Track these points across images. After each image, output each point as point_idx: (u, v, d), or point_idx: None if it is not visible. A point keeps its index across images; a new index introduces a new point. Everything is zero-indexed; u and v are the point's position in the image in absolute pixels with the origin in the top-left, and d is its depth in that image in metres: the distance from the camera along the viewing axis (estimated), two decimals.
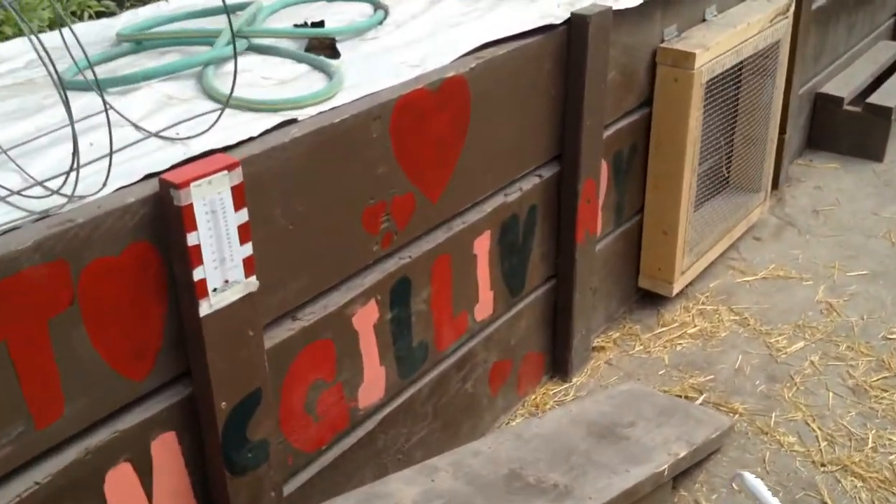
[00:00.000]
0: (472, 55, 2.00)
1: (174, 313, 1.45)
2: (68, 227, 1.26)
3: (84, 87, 1.85)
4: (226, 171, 1.39)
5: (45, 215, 1.29)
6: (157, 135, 1.61)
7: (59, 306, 1.28)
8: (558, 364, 2.64)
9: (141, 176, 1.40)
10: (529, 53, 2.12)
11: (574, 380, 2.65)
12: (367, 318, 1.86)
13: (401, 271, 1.91)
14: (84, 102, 1.77)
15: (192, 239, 1.37)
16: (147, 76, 1.86)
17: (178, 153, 1.54)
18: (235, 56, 1.63)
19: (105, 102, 1.46)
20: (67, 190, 1.35)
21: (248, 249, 1.47)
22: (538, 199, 2.34)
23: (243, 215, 1.44)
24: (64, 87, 1.39)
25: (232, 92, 1.59)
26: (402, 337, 1.98)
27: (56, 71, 1.36)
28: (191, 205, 1.36)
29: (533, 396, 2.58)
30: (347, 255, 1.77)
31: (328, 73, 1.95)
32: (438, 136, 1.91)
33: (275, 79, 1.95)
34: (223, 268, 1.44)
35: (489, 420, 2.42)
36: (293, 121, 1.63)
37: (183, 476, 1.55)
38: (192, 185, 1.35)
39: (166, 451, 1.51)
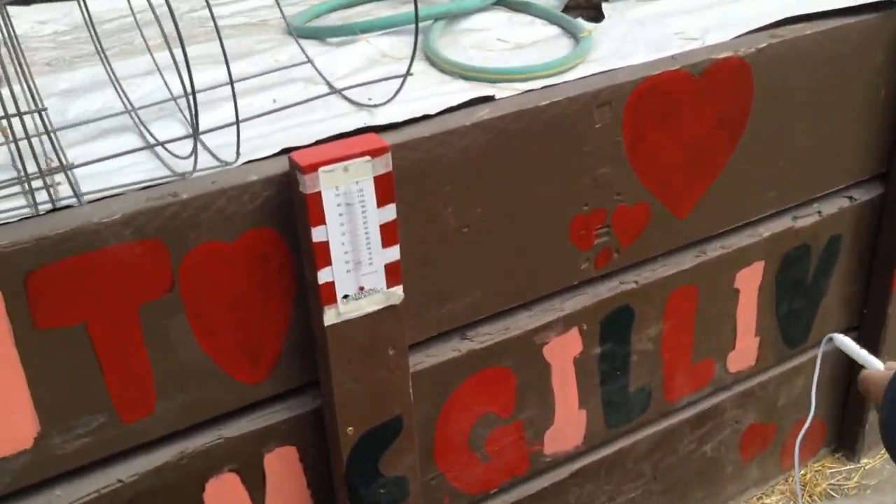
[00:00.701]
0: (767, 31, 1.52)
1: (303, 313, 1.22)
2: (168, 202, 1.08)
3: (307, 35, 1.69)
4: (368, 158, 1.12)
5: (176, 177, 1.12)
6: (340, 91, 1.39)
7: (154, 292, 1.11)
8: (844, 437, 2.06)
9: (279, 148, 1.18)
10: (851, 37, 1.57)
11: (862, 461, 2.05)
12: (564, 350, 1.51)
13: (620, 299, 1.52)
14: (294, 51, 1.60)
15: (318, 234, 1.13)
16: (367, 28, 1.64)
17: (359, 121, 1.31)
18: (416, 17, 1.34)
19: (306, 56, 1.25)
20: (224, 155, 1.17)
21: (393, 253, 1.20)
22: (845, 227, 1.79)
23: (389, 212, 1.17)
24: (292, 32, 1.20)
25: (413, 56, 1.31)
26: (614, 378, 1.59)
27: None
28: (318, 193, 1.11)
29: (803, 472, 2.04)
30: (544, 270, 1.43)
31: (577, 38, 1.59)
32: (696, 133, 1.47)
33: (511, 42, 1.64)
34: (358, 272, 1.18)
35: (734, 491, 1.94)
36: (490, 98, 1.31)
37: (304, 498, 1.34)
38: (320, 170, 1.09)
39: (284, 467, 1.30)
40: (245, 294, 1.17)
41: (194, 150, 1.14)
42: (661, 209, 1.49)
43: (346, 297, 1.18)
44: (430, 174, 1.23)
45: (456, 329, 1.39)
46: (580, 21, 1.67)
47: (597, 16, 1.71)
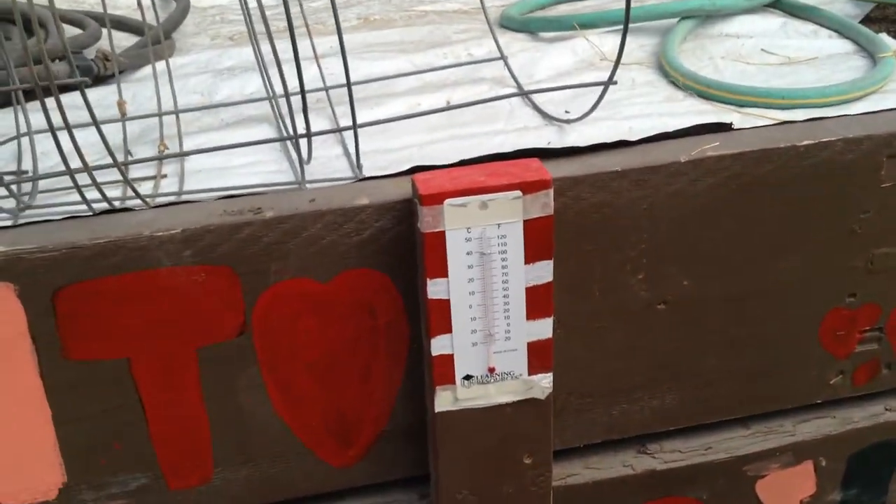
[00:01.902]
0: None
1: (417, 389, 0.91)
2: (247, 219, 0.80)
3: (517, 28, 1.39)
4: (518, 193, 0.78)
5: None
6: (526, 94, 1.06)
7: (220, 333, 0.84)
8: None
9: (411, 165, 0.88)
10: None
11: None
12: (788, 489, 1.07)
13: (882, 432, 1.06)
14: (504, 42, 1.30)
15: (435, 289, 0.81)
16: (587, 23, 1.30)
17: (541, 139, 0.99)
18: (627, 10, 0.98)
19: (500, 50, 0.96)
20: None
21: (542, 329, 0.85)
22: None
23: (542, 271, 0.82)
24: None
25: (618, 59, 0.95)
26: None
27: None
28: (441, 234, 0.78)
29: None
30: (775, 378, 1.00)
31: (874, 59, 1.16)
32: None
33: (779, 55, 1.23)
34: (489, 348, 0.84)
35: None
36: (726, 127, 0.91)
37: None
38: (446, 203, 0.77)
39: None
40: (339, 353, 0.88)
41: (307, 152, 0.86)
42: None
43: (468, 377, 0.85)
44: (615, 225, 0.87)
45: (632, 439, 1.01)
46: (884, 37, 1.22)
47: None
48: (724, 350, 0.97)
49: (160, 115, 1.07)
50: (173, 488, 0.91)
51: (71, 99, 1.09)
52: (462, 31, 1.42)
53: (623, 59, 1.25)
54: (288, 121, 1.02)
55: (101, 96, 1.20)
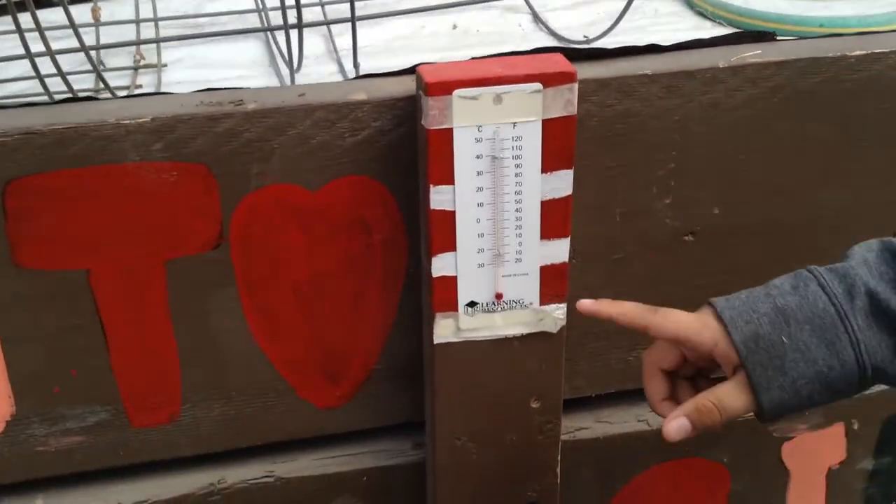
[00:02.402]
0: None
1: (415, 320, 0.81)
2: (226, 111, 0.70)
3: None
4: (538, 86, 0.68)
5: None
6: (541, 21, 0.97)
7: (192, 244, 0.74)
8: None
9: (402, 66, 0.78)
10: None
11: None
12: (816, 454, 0.98)
13: None
14: None
15: (439, 198, 0.71)
16: None
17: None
18: None
19: None
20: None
21: (558, 250, 0.75)
22: None
23: (562, 182, 0.72)
24: None
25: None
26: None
27: None
28: (448, 132, 0.69)
29: None
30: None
31: None
32: None
33: None
34: (497, 270, 0.74)
35: None
36: (769, 36, 0.82)
37: None
38: (455, 93, 0.67)
39: None
40: (328, 274, 0.78)
41: (297, 56, 0.76)
42: None
43: (472, 304, 0.75)
44: (642, 139, 0.77)
45: None
46: None
47: None
48: (717, 274, 0.87)
49: (137, 21, 0.97)
50: (136, 426, 0.80)
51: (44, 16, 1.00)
52: None
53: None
54: (281, 38, 0.92)
55: (78, 14, 1.10)
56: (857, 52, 0.77)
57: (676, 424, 0.60)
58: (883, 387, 0.95)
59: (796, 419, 0.95)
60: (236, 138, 0.71)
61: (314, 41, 1.01)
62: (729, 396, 0.58)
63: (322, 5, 1.04)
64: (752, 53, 0.77)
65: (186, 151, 0.71)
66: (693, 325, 0.60)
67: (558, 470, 0.85)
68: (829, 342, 0.55)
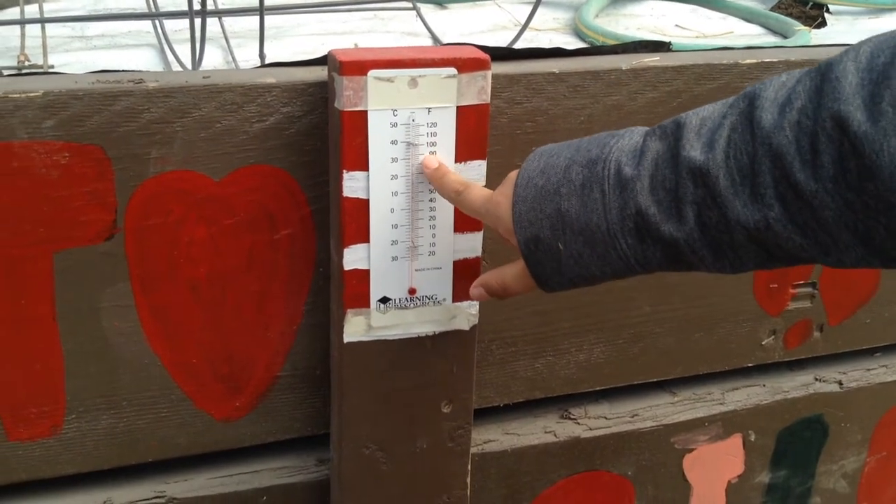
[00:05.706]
0: None
1: (323, 321, 0.78)
2: (124, 89, 0.67)
3: None
4: (453, 71, 0.68)
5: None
6: (441, 43, 0.97)
7: (83, 234, 0.69)
8: None
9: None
10: None
11: None
12: (716, 466, 0.99)
13: (811, 405, 1.00)
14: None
15: (351, 185, 0.69)
16: None
17: None
18: None
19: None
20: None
21: (471, 244, 0.74)
22: None
23: (475, 172, 0.72)
24: None
25: (532, 15, 0.88)
26: None
27: None
28: (362, 115, 0.67)
29: None
30: (705, 335, 0.93)
31: (785, 37, 1.16)
32: None
33: (693, 30, 1.20)
34: (411, 264, 0.73)
35: None
36: (664, 46, 0.85)
37: None
38: (370, 73, 0.66)
39: None
40: (229, 271, 0.74)
41: (199, 49, 0.74)
42: None
43: (384, 300, 0.73)
44: (550, 138, 0.78)
45: (555, 400, 0.90)
46: (791, 20, 1.22)
47: (819, 23, 1.26)
48: (657, 295, 0.88)
49: (23, 22, 0.92)
50: (13, 439, 0.73)
51: None
52: None
53: (538, 26, 1.21)
54: (176, 45, 0.89)
55: None
56: (749, 61, 0.82)
57: (476, 293, 0.67)
58: (778, 397, 0.98)
59: (697, 429, 0.96)
60: (135, 119, 0.67)
61: (213, 52, 0.99)
62: (514, 280, 0.63)
63: (220, 16, 1.02)
64: (651, 58, 0.80)
65: (80, 131, 0.66)
66: (488, 213, 0.63)
67: (468, 480, 0.82)
68: (601, 255, 0.56)
